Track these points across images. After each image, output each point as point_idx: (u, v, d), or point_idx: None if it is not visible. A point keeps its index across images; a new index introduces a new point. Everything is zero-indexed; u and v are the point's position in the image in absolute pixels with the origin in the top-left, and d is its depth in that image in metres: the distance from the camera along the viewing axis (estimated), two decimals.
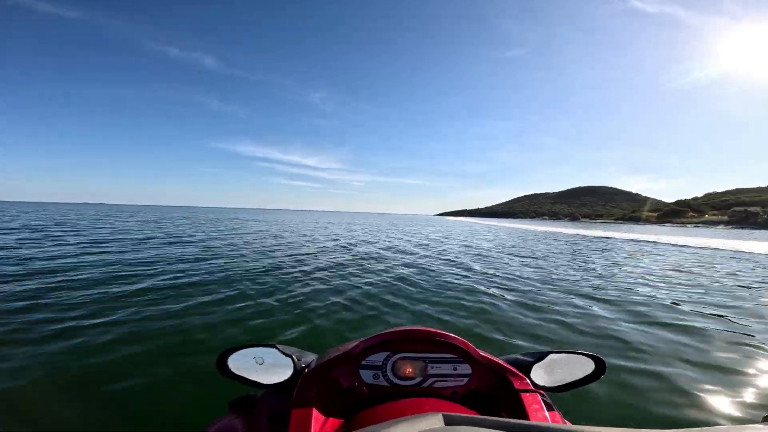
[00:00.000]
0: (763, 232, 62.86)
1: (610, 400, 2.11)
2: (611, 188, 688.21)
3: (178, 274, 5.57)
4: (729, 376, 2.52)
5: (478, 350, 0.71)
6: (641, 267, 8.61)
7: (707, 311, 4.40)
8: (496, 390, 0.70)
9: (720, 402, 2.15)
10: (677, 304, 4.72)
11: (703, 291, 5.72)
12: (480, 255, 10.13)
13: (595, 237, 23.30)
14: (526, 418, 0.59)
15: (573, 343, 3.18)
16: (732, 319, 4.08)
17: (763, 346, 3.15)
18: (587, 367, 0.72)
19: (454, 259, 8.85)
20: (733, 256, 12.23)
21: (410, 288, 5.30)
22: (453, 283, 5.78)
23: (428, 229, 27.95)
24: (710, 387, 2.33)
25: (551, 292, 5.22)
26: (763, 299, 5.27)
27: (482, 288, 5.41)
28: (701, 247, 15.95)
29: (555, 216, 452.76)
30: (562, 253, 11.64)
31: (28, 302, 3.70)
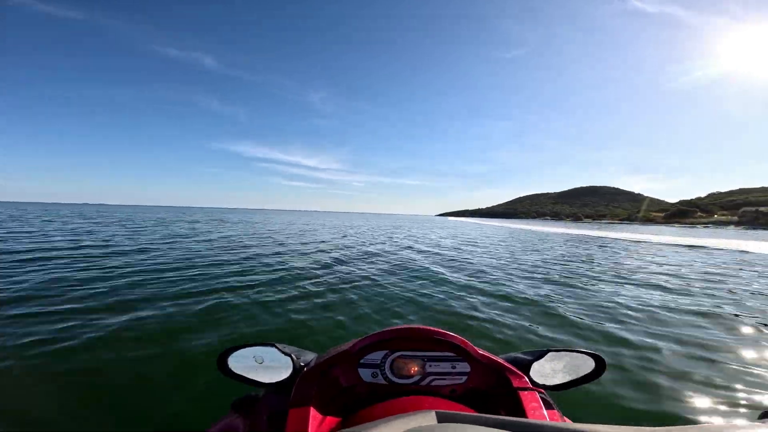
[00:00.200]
0: None
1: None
2: (613, 188, 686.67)
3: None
4: None
5: (477, 349, 0.70)
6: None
7: None
8: (494, 388, 0.69)
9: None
10: None
11: None
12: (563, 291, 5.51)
13: (633, 240, 20.23)
14: (524, 416, 0.58)
15: None
16: None
17: None
18: (587, 365, 0.71)
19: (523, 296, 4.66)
20: None
21: None
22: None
23: (438, 232, 24.19)
24: None
25: None
26: None
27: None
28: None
29: (557, 216, 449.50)
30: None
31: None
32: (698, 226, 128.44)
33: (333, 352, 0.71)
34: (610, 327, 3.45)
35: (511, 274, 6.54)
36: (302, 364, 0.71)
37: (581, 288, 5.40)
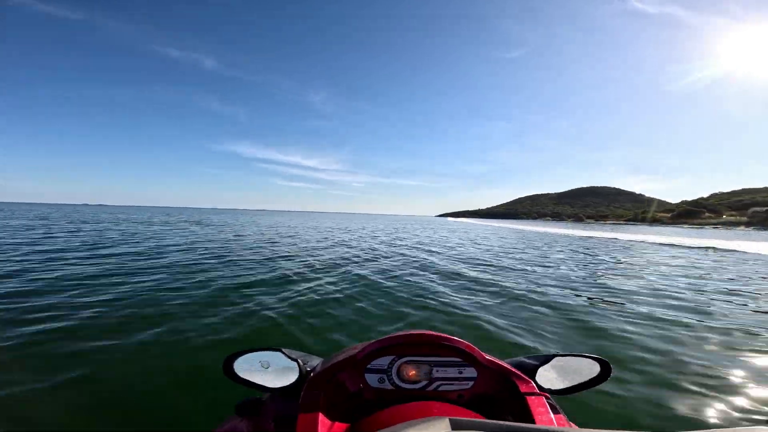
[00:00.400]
0: None
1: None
2: (614, 189, 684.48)
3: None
4: None
5: (483, 354, 0.70)
6: None
7: None
8: (501, 393, 0.69)
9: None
10: None
11: None
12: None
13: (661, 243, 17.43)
14: (532, 421, 0.59)
15: None
16: None
17: None
18: (593, 370, 0.71)
19: None
20: None
21: None
22: None
23: (446, 234, 20.58)
24: None
25: None
26: None
27: None
28: None
29: (558, 217, 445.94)
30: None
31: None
32: (707, 226, 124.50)
33: (338, 357, 0.71)
34: None
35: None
36: (308, 369, 0.71)
37: None
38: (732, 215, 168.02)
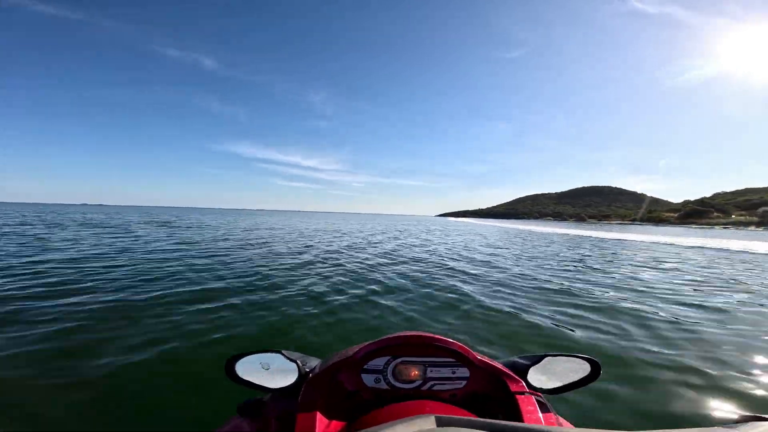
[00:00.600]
0: None
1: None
2: (615, 188, 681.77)
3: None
4: None
5: (476, 354, 0.72)
6: None
7: None
8: (492, 392, 0.71)
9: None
10: None
11: None
12: None
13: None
14: (521, 419, 0.61)
15: None
16: None
17: None
18: (583, 369, 0.73)
19: None
20: None
21: None
22: None
23: (454, 237, 16.61)
24: None
25: None
26: None
27: None
28: None
29: (560, 217, 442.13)
30: None
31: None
32: (716, 227, 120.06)
33: (336, 358, 0.73)
34: None
35: None
36: (307, 369, 0.72)
37: None
38: (741, 215, 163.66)
